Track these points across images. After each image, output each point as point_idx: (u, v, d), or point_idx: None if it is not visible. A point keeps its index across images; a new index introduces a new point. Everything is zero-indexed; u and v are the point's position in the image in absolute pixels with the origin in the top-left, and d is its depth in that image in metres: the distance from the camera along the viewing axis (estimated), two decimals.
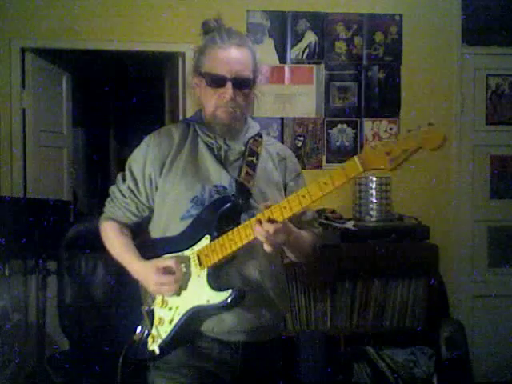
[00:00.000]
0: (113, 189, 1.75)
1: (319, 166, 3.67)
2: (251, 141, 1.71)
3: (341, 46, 3.69)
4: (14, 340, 3.22)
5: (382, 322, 3.25)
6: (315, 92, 3.68)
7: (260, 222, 1.47)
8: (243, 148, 1.69)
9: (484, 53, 3.81)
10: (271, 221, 1.47)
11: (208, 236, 1.57)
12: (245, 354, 1.64)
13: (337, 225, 3.26)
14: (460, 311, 3.73)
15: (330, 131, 3.70)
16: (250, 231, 1.50)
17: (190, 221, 1.60)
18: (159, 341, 1.61)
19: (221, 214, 1.57)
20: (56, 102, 4.13)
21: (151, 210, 1.70)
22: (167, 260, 1.58)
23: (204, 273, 1.57)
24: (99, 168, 6.86)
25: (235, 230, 1.53)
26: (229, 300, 1.52)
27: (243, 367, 1.65)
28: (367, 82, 3.71)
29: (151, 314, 1.65)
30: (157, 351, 1.60)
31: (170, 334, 1.60)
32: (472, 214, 3.82)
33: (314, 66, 3.67)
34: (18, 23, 3.48)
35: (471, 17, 3.76)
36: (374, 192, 3.40)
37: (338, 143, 3.70)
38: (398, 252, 3.20)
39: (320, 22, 3.67)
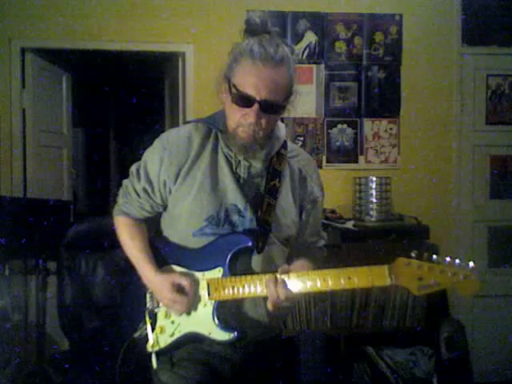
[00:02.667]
0: (126, 183, 1.70)
1: (319, 166, 3.66)
2: (274, 158, 1.62)
3: (341, 46, 3.69)
4: (13, 340, 3.22)
5: (381, 322, 3.25)
6: (315, 92, 3.68)
7: (275, 283, 1.46)
8: (265, 166, 1.61)
9: (484, 53, 3.81)
10: (286, 287, 1.46)
11: (221, 269, 1.55)
12: (244, 351, 1.65)
13: (337, 225, 3.26)
14: (460, 311, 3.73)
15: (330, 131, 3.70)
16: (265, 289, 1.49)
17: (202, 239, 1.57)
18: (157, 349, 1.62)
19: (236, 251, 1.55)
20: (56, 102, 4.13)
21: (165, 208, 1.68)
22: (183, 279, 1.56)
23: (211, 305, 1.56)
24: (99, 168, 6.87)
25: (249, 277, 1.52)
26: (230, 341, 1.53)
27: (243, 364, 1.66)
28: (367, 82, 3.71)
29: (154, 316, 1.65)
30: (154, 363, 1.61)
31: (169, 345, 1.61)
32: (472, 214, 3.82)
33: (314, 66, 3.67)
34: (18, 23, 3.48)
35: (471, 17, 3.76)
36: (373, 192, 3.40)
37: (338, 143, 3.70)
38: (398, 252, 3.19)
39: (320, 22, 3.67)
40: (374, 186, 3.40)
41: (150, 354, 1.63)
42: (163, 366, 1.65)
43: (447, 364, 3.13)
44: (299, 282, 1.46)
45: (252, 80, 1.46)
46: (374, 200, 3.39)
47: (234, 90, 1.49)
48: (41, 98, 3.80)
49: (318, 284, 1.44)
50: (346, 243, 3.18)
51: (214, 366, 1.64)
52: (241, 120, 1.51)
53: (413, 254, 1.38)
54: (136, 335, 1.65)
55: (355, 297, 3.23)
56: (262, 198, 1.58)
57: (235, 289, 1.52)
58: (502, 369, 3.74)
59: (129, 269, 1.72)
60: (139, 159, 1.72)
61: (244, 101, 1.48)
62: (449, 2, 3.75)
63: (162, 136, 1.67)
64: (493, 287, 3.81)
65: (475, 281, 1.32)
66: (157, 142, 1.66)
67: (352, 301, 3.23)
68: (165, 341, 1.61)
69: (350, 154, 3.72)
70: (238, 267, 1.56)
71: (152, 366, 1.62)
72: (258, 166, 1.60)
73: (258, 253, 1.57)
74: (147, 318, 1.65)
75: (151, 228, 1.73)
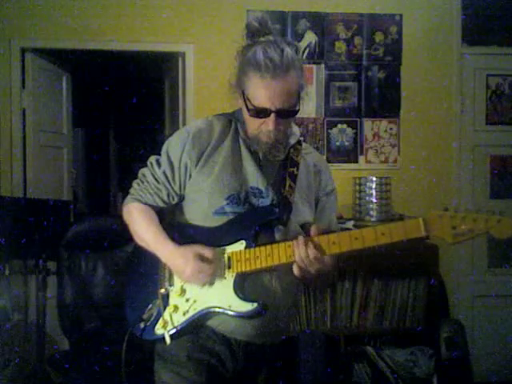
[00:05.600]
0: (144, 171, 1.70)
1: None
2: (292, 149, 1.69)
3: (341, 46, 3.69)
4: (13, 340, 3.22)
5: (381, 322, 3.25)
6: (315, 92, 3.68)
7: (306, 244, 1.47)
8: (283, 156, 1.66)
9: (484, 53, 3.81)
10: (316, 247, 1.47)
11: (243, 242, 1.56)
12: (246, 353, 1.65)
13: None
14: (460, 311, 3.73)
15: (330, 131, 3.70)
16: (291, 253, 1.49)
17: (223, 218, 1.59)
18: (170, 328, 1.60)
19: (262, 224, 1.57)
20: (56, 102, 4.13)
21: (180, 199, 1.68)
22: (206, 249, 1.56)
23: (231, 277, 1.56)
24: (99, 168, 6.87)
25: (275, 245, 1.53)
26: (252, 313, 1.52)
27: (244, 365, 1.66)
28: (367, 82, 3.71)
29: (166, 297, 1.63)
30: (168, 340, 1.59)
31: (182, 324, 1.59)
32: None
33: (314, 66, 3.67)
34: (18, 23, 3.49)
35: (471, 17, 3.76)
36: (374, 192, 3.39)
37: (338, 143, 3.70)
38: (397, 252, 3.20)
39: (320, 22, 3.67)
40: (373, 185, 3.39)
41: (163, 338, 1.60)
42: (165, 365, 1.66)
43: (447, 364, 3.13)
44: (331, 244, 1.47)
45: (264, 94, 1.51)
46: (374, 200, 3.39)
47: (249, 104, 1.55)
48: (41, 98, 3.80)
49: (352, 243, 1.46)
50: None
51: (215, 366, 1.64)
52: (261, 128, 1.57)
53: (442, 210, 1.39)
54: (145, 316, 1.63)
55: (355, 297, 3.23)
56: (283, 180, 1.64)
57: (259, 259, 1.53)
58: (502, 369, 3.73)
59: (128, 268, 1.72)
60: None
61: (261, 113, 1.54)
62: (449, 2, 3.75)
63: (182, 127, 1.73)
64: (493, 287, 3.81)
65: (509, 223, 1.32)
66: (178, 131, 1.71)
67: (352, 301, 3.23)
68: (178, 320, 1.60)
69: (349, 154, 3.72)
70: (260, 241, 1.57)
71: (166, 343, 1.59)
72: (276, 155, 1.65)
73: (283, 225, 1.59)
74: (160, 299, 1.62)
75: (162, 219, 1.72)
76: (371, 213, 3.39)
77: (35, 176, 3.69)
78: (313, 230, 1.52)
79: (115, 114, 7.06)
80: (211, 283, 1.57)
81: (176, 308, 1.61)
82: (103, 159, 7.01)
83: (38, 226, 2.94)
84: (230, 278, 1.56)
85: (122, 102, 6.61)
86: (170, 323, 1.60)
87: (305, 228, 1.64)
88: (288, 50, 1.53)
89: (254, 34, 1.58)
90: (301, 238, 1.49)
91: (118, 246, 2.81)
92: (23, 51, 3.58)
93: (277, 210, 1.58)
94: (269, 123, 1.54)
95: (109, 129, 7.19)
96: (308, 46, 3.66)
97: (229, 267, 1.56)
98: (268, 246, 1.53)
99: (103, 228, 2.87)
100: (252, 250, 1.55)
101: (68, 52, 3.83)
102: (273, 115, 1.52)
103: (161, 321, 1.61)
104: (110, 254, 2.83)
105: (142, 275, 1.71)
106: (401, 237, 1.41)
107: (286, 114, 1.55)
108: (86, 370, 2.55)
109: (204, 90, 3.51)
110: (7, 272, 3.16)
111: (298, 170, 1.66)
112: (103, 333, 2.68)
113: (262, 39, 1.57)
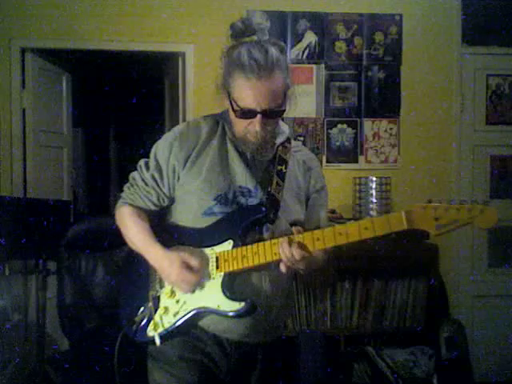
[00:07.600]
0: (134, 175, 1.71)
1: None
2: (280, 147, 1.68)
3: (341, 46, 3.69)
4: (13, 340, 3.22)
5: (381, 322, 3.25)
6: (315, 92, 3.68)
7: (290, 243, 1.47)
8: (271, 155, 1.66)
9: (484, 53, 3.81)
10: (301, 247, 1.47)
11: (231, 241, 1.57)
12: (239, 352, 1.65)
13: (337, 225, 3.26)
14: (460, 311, 3.73)
15: (330, 131, 3.70)
16: (277, 251, 1.50)
17: (211, 218, 1.59)
18: (161, 330, 1.61)
19: (249, 223, 1.58)
20: (56, 102, 4.13)
21: (171, 201, 1.68)
22: (192, 258, 1.55)
23: (219, 277, 1.56)
24: (99, 168, 6.86)
25: (261, 244, 1.53)
26: (240, 312, 1.52)
27: (237, 365, 1.66)
28: (367, 82, 3.71)
29: (157, 300, 1.64)
30: (157, 342, 1.59)
31: (172, 325, 1.60)
32: None
33: (314, 66, 3.68)
34: (18, 23, 3.49)
35: (471, 17, 3.76)
36: (374, 192, 3.40)
37: (338, 143, 3.70)
38: (398, 252, 3.20)
39: (320, 22, 3.67)
40: (374, 186, 3.40)
41: (153, 339, 1.60)
42: (157, 365, 1.66)
43: (447, 364, 3.13)
44: (315, 240, 1.48)
45: (250, 95, 1.51)
46: (374, 200, 3.39)
47: (235, 105, 1.55)
48: (41, 98, 3.80)
49: (336, 238, 1.46)
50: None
51: (208, 366, 1.64)
52: (247, 128, 1.56)
53: (423, 204, 1.38)
54: (137, 319, 1.64)
55: (355, 297, 3.23)
56: (270, 178, 1.64)
57: (246, 258, 1.53)
58: (502, 369, 3.73)
59: (123, 270, 1.72)
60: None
61: (247, 114, 1.54)
62: (449, 2, 3.75)
63: (171, 130, 1.72)
64: (493, 287, 3.81)
65: (493, 212, 1.31)
66: (166, 134, 1.71)
67: (352, 301, 3.23)
68: (169, 322, 1.60)
69: (349, 154, 3.72)
70: (249, 240, 1.57)
71: (156, 344, 1.60)
72: (264, 154, 1.65)
73: (270, 223, 1.59)
74: (150, 302, 1.63)
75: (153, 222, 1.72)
76: (371, 213, 3.39)
77: (35, 176, 3.69)
78: (295, 233, 1.52)
79: (115, 114, 7.05)
80: (200, 285, 1.57)
81: (166, 310, 1.61)
82: (103, 159, 7.01)
83: (37, 226, 2.94)
84: (218, 278, 1.56)
85: (122, 101, 6.60)
86: (160, 325, 1.61)
87: (295, 226, 1.63)
88: (272, 50, 1.52)
89: (238, 34, 1.57)
90: (285, 239, 1.49)
91: (117, 246, 2.80)
92: (23, 51, 3.59)
93: (264, 208, 1.58)
94: (255, 124, 1.54)
95: (109, 129, 7.19)
96: (308, 46, 3.66)
97: (217, 267, 1.57)
98: (254, 245, 1.54)
99: (103, 228, 2.86)
100: (239, 249, 1.55)
101: (68, 52, 3.84)
102: (259, 116, 1.52)
103: (152, 323, 1.62)
104: (109, 254, 2.83)
105: (137, 277, 1.71)
106: (384, 230, 1.40)
107: (273, 114, 1.54)
108: (86, 370, 2.55)
109: (204, 90, 3.51)
110: (7, 272, 3.16)
111: (286, 167, 1.66)
112: (103, 333, 2.68)
113: (246, 40, 1.56)
